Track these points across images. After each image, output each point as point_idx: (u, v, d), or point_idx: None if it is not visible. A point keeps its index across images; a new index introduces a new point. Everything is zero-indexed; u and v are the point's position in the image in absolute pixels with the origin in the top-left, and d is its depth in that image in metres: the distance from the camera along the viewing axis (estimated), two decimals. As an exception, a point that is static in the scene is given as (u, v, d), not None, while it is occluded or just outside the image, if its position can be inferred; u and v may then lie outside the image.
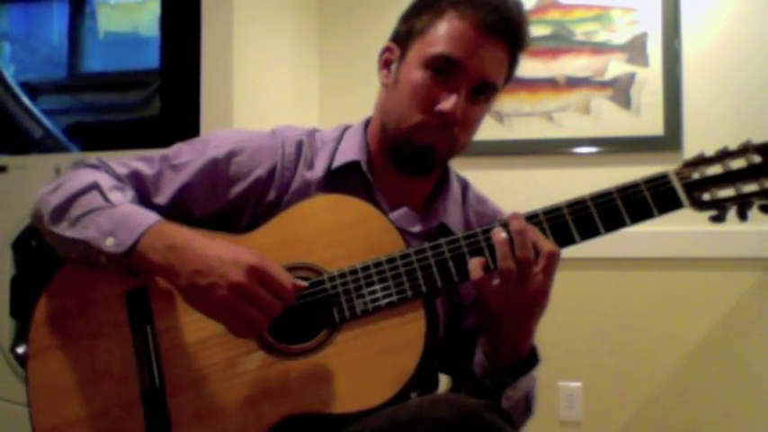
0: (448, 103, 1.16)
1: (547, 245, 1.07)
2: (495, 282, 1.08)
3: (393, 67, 1.25)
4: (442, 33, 1.17)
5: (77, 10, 2.86)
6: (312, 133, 1.30)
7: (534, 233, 1.08)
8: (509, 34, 1.18)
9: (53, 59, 2.88)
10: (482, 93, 1.19)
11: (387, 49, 1.27)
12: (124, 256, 1.11)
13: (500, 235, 1.08)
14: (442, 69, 1.17)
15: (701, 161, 1.10)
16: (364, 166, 1.25)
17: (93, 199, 1.16)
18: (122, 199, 1.17)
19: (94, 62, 2.88)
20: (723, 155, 1.10)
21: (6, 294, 2.40)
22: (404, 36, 1.23)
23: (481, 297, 1.10)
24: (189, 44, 2.30)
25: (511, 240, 1.07)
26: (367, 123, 1.31)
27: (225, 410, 1.10)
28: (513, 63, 1.22)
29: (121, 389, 1.13)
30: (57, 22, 2.92)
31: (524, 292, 1.07)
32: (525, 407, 1.21)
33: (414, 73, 1.19)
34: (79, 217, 1.15)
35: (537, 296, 1.08)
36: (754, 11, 2.49)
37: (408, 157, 1.22)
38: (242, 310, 1.03)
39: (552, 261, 1.07)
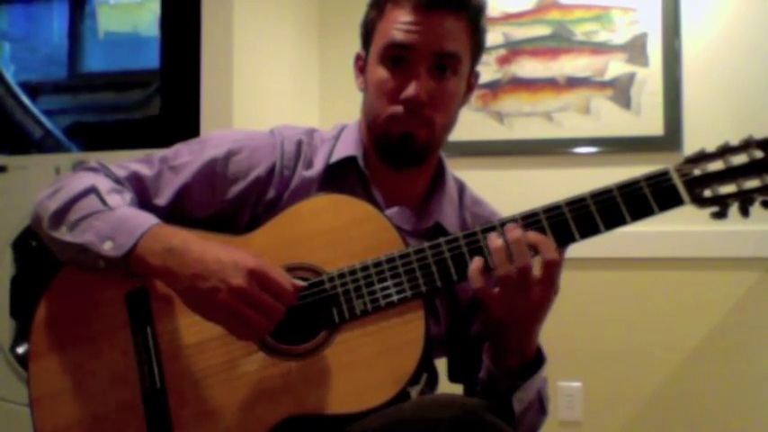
0: (410, 89, 1.17)
1: (547, 252, 1.05)
2: (497, 289, 1.07)
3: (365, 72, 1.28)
4: (387, 26, 1.20)
5: (77, 10, 2.86)
6: (311, 132, 1.31)
7: (533, 237, 1.06)
8: (452, 4, 1.19)
9: (53, 59, 2.88)
10: (446, 67, 1.20)
11: (358, 57, 1.30)
12: (123, 260, 1.11)
13: (496, 242, 1.07)
14: (397, 59, 1.19)
15: (702, 157, 1.08)
16: (361, 162, 1.26)
17: (91, 203, 1.16)
18: (120, 202, 1.17)
19: (94, 62, 2.88)
20: (724, 150, 1.08)
21: (6, 294, 2.40)
22: (364, 40, 1.27)
23: (484, 304, 1.09)
24: (189, 44, 2.29)
25: (508, 247, 1.06)
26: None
27: (225, 412, 1.10)
28: (475, 29, 1.22)
29: (122, 390, 1.13)
30: (57, 22, 2.92)
31: (527, 298, 1.06)
32: (539, 408, 1.21)
33: (375, 71, 1.22)
34: (77, 221, 1.15)
35: (540, 302, 1.07)
36: (754, 11, 2.48)
37: (392, 150, 1.22)
38: (243, 314, 1.03)
39: (553, 270, 1.06)
